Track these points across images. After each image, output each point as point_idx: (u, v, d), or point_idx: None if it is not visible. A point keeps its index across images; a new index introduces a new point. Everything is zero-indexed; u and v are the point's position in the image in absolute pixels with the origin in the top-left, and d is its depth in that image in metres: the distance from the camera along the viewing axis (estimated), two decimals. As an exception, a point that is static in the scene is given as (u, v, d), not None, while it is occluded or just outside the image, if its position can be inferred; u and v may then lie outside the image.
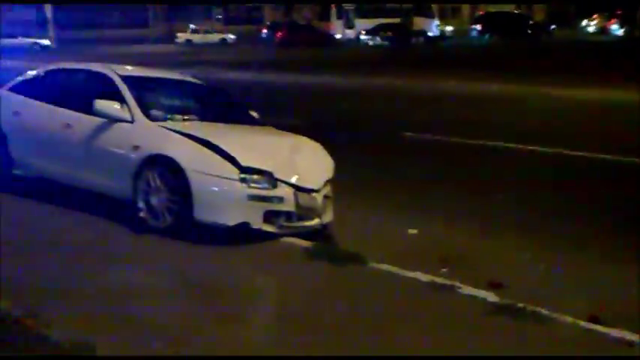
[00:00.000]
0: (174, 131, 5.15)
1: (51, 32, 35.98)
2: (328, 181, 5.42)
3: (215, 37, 42.65)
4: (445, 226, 5.75)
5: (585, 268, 4.64)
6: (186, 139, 5.04)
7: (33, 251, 4.60)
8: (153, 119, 5.35)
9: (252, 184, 4.84)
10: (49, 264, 4.36)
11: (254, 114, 6.41)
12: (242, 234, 4.83)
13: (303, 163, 5.30)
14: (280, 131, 6.09)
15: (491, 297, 3.86)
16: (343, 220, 5.61)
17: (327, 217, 5.38)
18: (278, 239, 4.92)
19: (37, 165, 5.99)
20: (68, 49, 34.41)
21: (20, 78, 6.63)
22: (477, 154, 9.01)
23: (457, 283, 4.07)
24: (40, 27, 37.99)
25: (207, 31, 43.27)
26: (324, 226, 5.34)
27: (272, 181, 4.92)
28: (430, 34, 40.72)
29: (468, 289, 3.99)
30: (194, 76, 7.07)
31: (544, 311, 3.60)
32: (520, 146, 9.14)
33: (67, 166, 5.72)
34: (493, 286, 4.17)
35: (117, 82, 5.63)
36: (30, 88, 6.32)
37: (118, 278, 4.14)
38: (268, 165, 4.97)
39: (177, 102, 5.95)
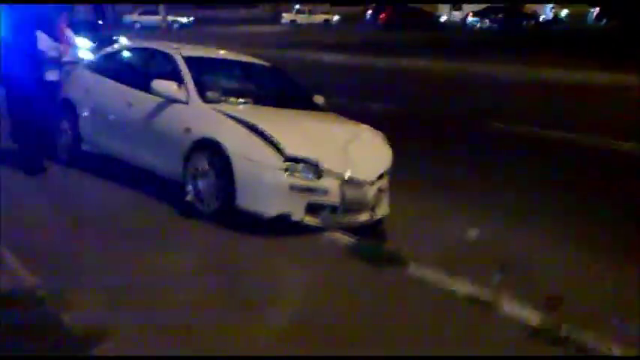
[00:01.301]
0: (225, 114, 5.04)
1: (162, 12, 37.36)
2: (384, 174, 5.15)
3: (319, 18, 42.63)
4: (514, 228, 5.32)
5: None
6: (234, 122, 4.92)
7: (78, 228, 4.67)
8: (208, 101, 5.27)
9: (296, 174, 4.65)
10: (91, 242, 4.40)
11: (319, 99, 6.20)
12: (287, 224, 4.67)
13: (358, 154, 5.05)
14: (341, 118, 5.84)
15: (534, 319, 3.44)
16: (403, 216, 5.33)
17: (381, 211, 5.12)
18: (322, 233, 4.72)
19: (103, 142, 6.11)
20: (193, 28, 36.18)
21: (97, 55, 6.79)
22: (569, 149, 8.35)
23: (498, 299, 3.68)
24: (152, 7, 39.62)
25: (311, 12, 43.32)
26: (376, 221, 5.08)
27: (317, 171, 4.70)
28: (543, 17, 38.55)
29: (509, 306, 3.60)
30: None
31: (591, 341, 3.17)
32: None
33: (127, 145, 5.79)
34: (550, 300, 3.76)
35: (179, 63, 5.60)
36: (102, 66, 6.46)
37: (152, 262, 4.09)
38: (315, 154, 4.75)
39: (237, 84, 5.86)
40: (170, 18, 38.92)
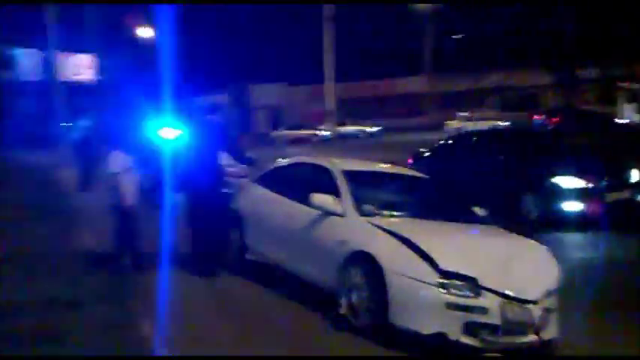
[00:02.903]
0: (380, 228, 5.04)
1: (333, 122, 39.50)
2: (551, 292, 4.77)
3: (486, 124, 42.26)
4: None
5: None
6: (389, 236, 4.89)
7: (233, 332, 4.85)
8: (363, 214, 5.32)
9: (452, 291, 4.45)
10: (244, 349, 4.51)
11: (479, 211, 6.00)
12: (440, 344, 4.43)
13: (521, 270, 4.75)
14: (503, 231, 5.58)
15: None
16: (574, 339, 4.83)
17: (549, 333, 4.70)
18: (481, 354, 4.40)
19: (265, 252, 6.38)
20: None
21: (265, 170, 7.24)
22: None
23: None
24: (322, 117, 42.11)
25: (477, 119, 43.14)
26: (543, 344, 4.65)
27: (475, 288, 4.47)
28: None
29: None
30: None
31: None
32: None
33: (287, 255, 5.98)
34: None
35: (336, 176, 5.78)
36: (267, 180, 6.85)
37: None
38: (473, 270, 4.54)
39: (393, 197, 5.87)
40: (357, 128, 40.98)
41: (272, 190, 6.60)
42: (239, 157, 7.32)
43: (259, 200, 6.66)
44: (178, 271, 6.63)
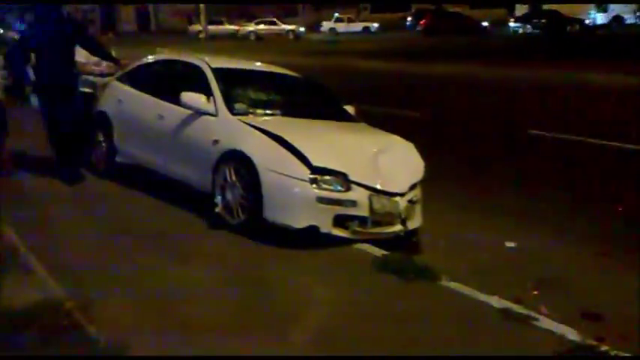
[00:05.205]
0: (253, 126, 5.01)
1: (203, 23, 37.98)
2: (416, 185, 5.04)
3: (359, 26, 42.56)
4: (552, 240, 5.12)
5: None
6: (261, 134, 4.88)
7: (107, 239, 4.71)
8: (235, 113, 5.24)
9: (323, 186, 4.57)
10: (118, 253, 4.41)
11: (349, 109, 6.12)
12: (316, 237, 4.59)
13: (388, 165, 4.95)
14: (371, 129, 5.75)
15: (571, 334, 3.29)
16: (437, 228, 5.19)
17: (414, 223, 5.00)
18: (351, 245, 4.63)
19: (136, 154, 6.14)
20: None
21: (128, 68, 6.82)
22: (611, 157, 8.02)
23: (535, 314, 3.53)
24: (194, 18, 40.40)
25: (350, 20, 43.28)
26: (409, 233, 4.96)
27: (345, 183, 4.62)
28: (587, 21, 37.46)
29: (546, 322, 3.45)
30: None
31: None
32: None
33: (159, 157, 5.81)
34: (587, 317, 3.61)
35: (207, 75, 5.60)
36: (134, 79, 6.49)
37: (176, 275, 4.08)
38: (343, 165, 4.67)
39: (266, 96, 5.81)
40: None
41: (138, 88, 6.29)
42: (102, 54, 6.81)
43: (126, 100, 6.33)
44: (41, 175, 6.29)
